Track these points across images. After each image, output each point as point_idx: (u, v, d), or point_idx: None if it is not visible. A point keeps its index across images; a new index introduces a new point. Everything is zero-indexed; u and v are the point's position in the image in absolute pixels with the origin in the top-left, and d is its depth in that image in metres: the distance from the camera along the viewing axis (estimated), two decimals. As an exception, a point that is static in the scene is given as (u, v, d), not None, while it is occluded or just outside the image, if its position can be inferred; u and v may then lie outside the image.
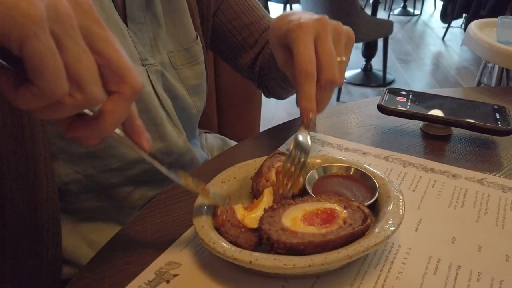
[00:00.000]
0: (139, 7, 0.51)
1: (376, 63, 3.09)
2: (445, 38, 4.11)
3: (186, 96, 0.58)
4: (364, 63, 3.14)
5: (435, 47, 3.99)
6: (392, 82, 3.08)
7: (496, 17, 1.38)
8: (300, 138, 0.43)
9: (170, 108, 0.55)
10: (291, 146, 0.42)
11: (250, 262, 0.32)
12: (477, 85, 1.51)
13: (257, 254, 0.33)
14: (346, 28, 0.48)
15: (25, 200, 0.44)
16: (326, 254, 0.32)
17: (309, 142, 0.42)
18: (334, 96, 2.84)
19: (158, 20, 0.54)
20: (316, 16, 0.46)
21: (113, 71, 0.27)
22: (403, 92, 0.62)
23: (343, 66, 0.46)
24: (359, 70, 3.17)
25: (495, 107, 0.59)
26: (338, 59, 0.45)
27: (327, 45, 0.43)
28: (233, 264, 0.35)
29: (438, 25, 4.53)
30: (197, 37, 0.59)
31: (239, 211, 0.38)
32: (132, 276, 0.36)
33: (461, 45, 3.78)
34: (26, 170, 0.43)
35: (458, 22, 4.08)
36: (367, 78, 3.11)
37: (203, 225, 0.36)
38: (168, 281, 0.35)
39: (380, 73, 3.02)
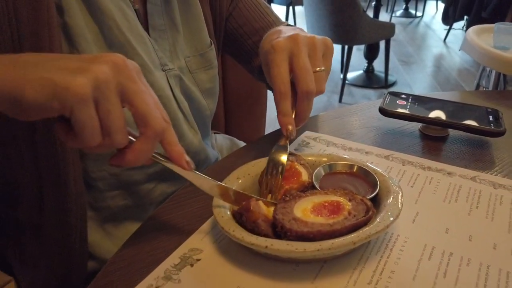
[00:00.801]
0: (159, 15, 0.56)
1: (378, 64, 3.13)
2: (447, 40, 4.15)
3: (200, 98, 0.63)
4: (366, 64, 3.18)
5: (436, 49, 4.03)
6: (394, 83, 3.12)
7: (497, 18, 1.42)
8: (274, 155, 0.47)
9: (186, 109, 0.60)
10: (267, 164, 0.46)
11: (266, 247, 0.36)
12: (476, 88, 1.54)
13: (272, 240, 0.37)
14: (321, 38, 0.51)
15: (57, 198, 0.49)
16: (333, 240, 0.36)
17: (287, 152, 0.47)
18: (337, 97, 2.88)
19: (176, 27, 0.58)
20: (289, 34, 0.49)
21: (140, 117, 0.35)
22: (403, 96, 0.66)
23: (323, 75, 0.50)
24: (361, 71, 3.21)
25: (489, 110, 0.63)
26: (318, 69, 0.48)
27: (301, 60, 0.47)
28: (249, 250, 0.40)
29: (439, 27, 4.57)
30: (211, 43, 0.64)
31: (263, 205, 0.41)
32: (159, 261, 0.40)
33: (459, 50, 3.82)
34: (57, 168, 0.47)
35: (459, 24, 4.11)
36: (369, 80, 3.15)
37: (222, 215, 0.41)
38: (192, 265, 0.40)
39: (382, 75, 3.06)
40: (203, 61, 0.63)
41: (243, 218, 0.39)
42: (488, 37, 1.00)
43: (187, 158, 0.39)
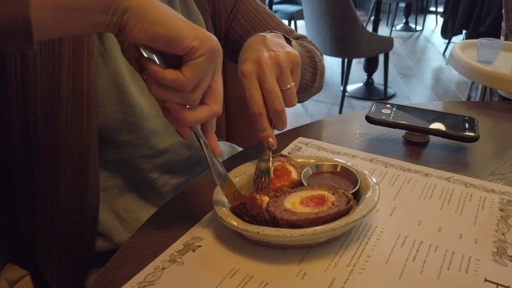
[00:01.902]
0: None
1: (378, 77, 3.21)
2: (446, 54, 4.22)
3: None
4: (365, 77, 3.26)
5: (436, 62, 4.11)
6: (393, 96, 3.18)
7: (495, 32, 1.49)
8: (260, 165, 0.52)
9: None
10: (255, 172, 0.52)
11: (258, 232, 0.42)
12: (467, 99, 1.61)
13: (263, 227, 0.43)
14: (285, 54, 0.53)
15: (76, 177, 0.55)
16: (316, 227, 0.42)
17: (270, 164, 0.52)
18: (337, 109, 2.95)
19: None
20: (255, 56, 0.52)
21: (214, 94, 0.44)
22: (388, 105, 0.72)
23: (293, 90, 0.53)
24: (361, 84, 3.29)
25: (466, 118, 0.69)
26: (288, 86, 0.52)
27: (267, 84, 0.51)
28: (244, 237, 0.46)
29: (439, 41, 4.66)
30: None
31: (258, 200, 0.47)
32: (166, 247, 0.46)
33: (446, 64, 3.89)
34: (80, 153, 0.54)
35: (459, 38, 4.20)
36: (369, 92, 3.22)
37: (221, 208, 0.46)
38: (194, 250, 0.46)
39: (382, 87, 3.13)
40: None
41: (247, 207, 0.44)
42: (473, 52, 1.07)
43: (219, 146, 0.47)
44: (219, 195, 0.48)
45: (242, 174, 0.54)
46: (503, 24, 1.42)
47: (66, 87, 0.51)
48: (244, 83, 0.52)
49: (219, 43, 0.42)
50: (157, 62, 0.40)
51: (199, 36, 0.40)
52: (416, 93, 3.29)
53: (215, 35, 0.72)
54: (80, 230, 0.58)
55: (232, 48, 0.75)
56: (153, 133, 0.61)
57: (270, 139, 0.53)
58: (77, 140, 0.53)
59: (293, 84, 0.53)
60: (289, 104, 0.53)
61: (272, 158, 0.54)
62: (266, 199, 0.48)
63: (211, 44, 0.40)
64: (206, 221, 0.50)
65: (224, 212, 0.45)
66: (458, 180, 0.58)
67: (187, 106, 0.43)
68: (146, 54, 0.40)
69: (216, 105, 0.44)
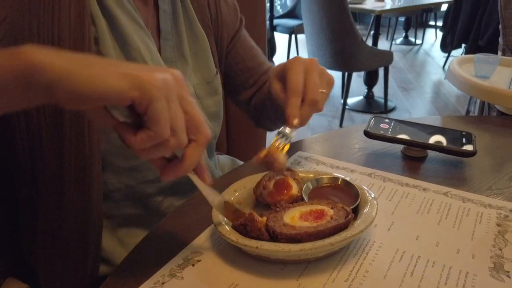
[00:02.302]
0: (170, 49, 0.64)
1: (378, 90, 3.23)
2: (446, 67, 4.26)
3: (207, 121, 0.70)
4: (366, 90, 3.28)
5: (435, 75, 4.14)
6: (393, 109, 3.20)
7: (494, 47, 1.50)
8: (284, 129, 0.56)
9: None
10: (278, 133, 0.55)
11: (257, 247, 0.43)
12: (466, 113, 1.62)
13: (262, 241, 0.43)
14: (329, 73, 0.60)
15: (79, 202, 0.55)
16: (314, 242, 0.43)
17: (293, 134, 0.55)
18: (337, 122, 2.96)
19: (185, 59, 0.66)
20: (303, 59, 0.57)
21: (194, 124, 0.39)
22: (386, 120, 0.73)
23: (324, 97, 0.57)
24: (361, 97, 3.31)
25: (463, 133, 0.70)
26: (322, 90, 0.56)
27: (313, 76, 0.55)
28: (243, 252, 0.46)
29: (438, 54, 4.70)
30: (217, 73, 0.72)
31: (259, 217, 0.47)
32: (166, 261, 0.46)
33: (444, 78, 3.93)
34: (83, 178, 0.54)
35: (458, 52, 4.23)
36: (369, 105, 3.24)
37: (220, 222, 0.47)
38: (193, 265, 0.46)
39: (382, 101, 3.15)
40: (210, 88, 0.70)
41: (247, 228, 0.45)
42: (471, 67, 1.08)
43: (208, 173, 0.46)
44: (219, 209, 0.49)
45: (242, 188, 0.54)
46: (500, 39, 1.44)
47: (68, 116, 0.52)
48: (293, 67, 0.55)
49: (170, 71, 0.38)
50: (128, 120, 0.37)
51: (136, 82, 0.35)
52: (416, 106, 3.31)
53: (218, 54, 0.74)
54: (83, 254, 0.59)
55: (224, 72, 0.78)
56: None
57: (296, 120, 0.54)
58: (79, 166, 0.54)
59: (325, 91, 0.57)
60: (319, 108, 0.56)
61: (275, 171, 0.55)
62: (258, 218, 0.47)
63: (156, 82, 0.35)
64: (206, 235, 0.51)
65: (224, 227, 0.46)
66: (455, 195, 0.58)
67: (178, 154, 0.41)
68: (115, 115, 0.37)
69: (201, 134, 0.40)
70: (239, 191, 0.54)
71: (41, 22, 0.49)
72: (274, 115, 0.75)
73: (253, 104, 0.79)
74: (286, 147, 0.55)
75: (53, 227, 0.58)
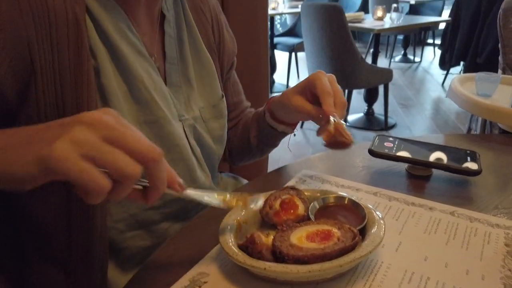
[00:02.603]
0: (176, 73, 0.65)
1: (378, 107, 3.25)
2: (445, 84, 4.29)
3: (211, 144, 0.70)
4: (366, 107, 3.30)
5: (435, 92, 4.17)
6: (393, 126, 3.21)
7: (492, 64, 1.52)
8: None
9: (199, 155, 0.67)
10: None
11: (265, 268, 0.42)
12: (468, 131, 1.63)
13: (269, 263, 0.43)
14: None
15: (85, 232, 0.55)
16: (323, 263, 0.42)
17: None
18: (338, 138, 2.96)
19: (191, 83, 0.66)
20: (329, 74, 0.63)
21: (137, 154, 0.36)
22: (391, 139, 0.73)
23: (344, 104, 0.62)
24: (361, 114, 3.33)
25: (468, 151, 0.70)
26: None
27: (336, 85, 0.61)
28: (250, 274, 0.46)
29: (437, 72, 4.75)
30: (222, 96, 0.72)
31: (263, 236, 0.47)
32: (171, 283, 0.46)
33: (446, 97, 3.96)
34: (87, 208, 0.54)
35: (457, 69, 4.28)
36: (370, 122, 3.26)
37: (227, 242, 0.47)
38: (200, 286, 0.45)
39: (382, 117, 3.17)
40: (215, 111, 0.71)
41: (248, 250, 0.45)
42: (472, 85, 1.09)
43: (179, 180, 0.44)
44: (225, 229, 0.49)
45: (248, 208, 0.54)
46: (500, 58, 1.46)
47: None
48: (320, 76, 0.60)
49: (86, 119, 0.36)
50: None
51: (43, 165, 0.34)
52: (416, 123, 3.32)
53: (220, 76, 0.74)
54: (88, 284, 0.58)
55: None
56: None
57: (334, 116, 0.58)
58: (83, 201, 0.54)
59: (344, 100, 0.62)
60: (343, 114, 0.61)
61: (281, 190, 0.55)
62: (264, 237, 0.47)
63: (60, 153, 0.34)
64: (212, 256, 0.50)
65: (230, 248, 0.46)
66: (462, 214, 0.58)
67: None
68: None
69: (146, 156, 0.37)
70: (246, 210, 0.53)
71: (41, 54, 0.48)
72: (248, 151, 0.80)
73: (227, 137, 0.80)
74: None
75: (62, 257, 0.57)
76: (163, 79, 0.63)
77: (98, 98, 0.54)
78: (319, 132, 0.60)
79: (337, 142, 0.58)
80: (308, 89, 0.62)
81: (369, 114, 3.30)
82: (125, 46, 0.56)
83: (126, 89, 0.57)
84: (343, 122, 0.59)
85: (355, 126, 3.21)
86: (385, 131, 3.09)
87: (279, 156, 2.64)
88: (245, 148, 0.81)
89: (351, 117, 3.28)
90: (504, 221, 0.56)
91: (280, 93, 0.69)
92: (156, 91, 0.59)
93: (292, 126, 0.73)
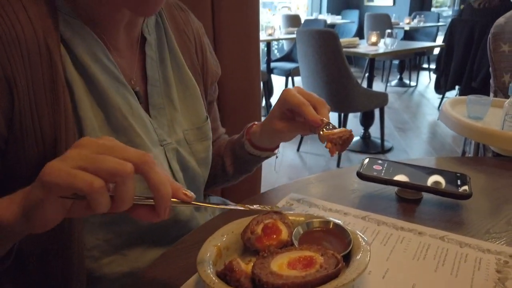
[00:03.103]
0: (159, 95, 0.64)
1: (375, 131, 3.25)
2: (441, 108, 4.31)
3: (196, 167, 0.69)
4: (362, 131, 3.30)
5: (431, 116, 4.19)
6: (390, 149, 3.21)
7: (487, 88, 1.53)
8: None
9: (181, 180, 0.66)
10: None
11: (243, 297, 0.40)
12: (462, 154, 1.62)
13: (248, 291, 0.41)
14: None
15: (60, 268, 0.53)
16: (303, 292, 0.40)
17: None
18: (335, 162, 2.95)
19: (174, 105, 0.66)
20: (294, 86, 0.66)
21: (126, 156, 0.39)
22: (380, 161, 0.72)
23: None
24: (358, 138, 3.33)
25: (458, 174, 0.68)
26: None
27: (304, 91, 0.64)
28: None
29: (433, 96, 4.79)
30: (207, 118, 0.71)
31: (242, 263, 0.45)
32: (146, 313, 0.44)
33: (437, 119, 4.00)
34: (61, 235, 0.52)
35: (453, 93, 4.32)
36: (366, 146, 3.25)
37: (205, 270, 0.45)
38: (175, 317, 0.43)
39: (379, 141, 3.17)
40: (200, 133, 0.70)
41: (227, 277, 0.43)
42: (464, 108, 1.09)
43: (184, 190, 0.44)
44: (204, 256, 0.47)
45: (229, 233, 0.52)
46: (491, 81, 1.47)
47: None
48: (288, 95, 0.62)
49: (77, 145, 0.39)
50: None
51: (44, 187, 0.37)
52: (413, 146, 3.32)
53: (204, 98, 0.73)
54: None
55: None
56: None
57: (320, 120, 0.60)
58: (58, 231, 0.52)
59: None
60: (328, 109, 0.63)
61: (265, 214, 0.53)
62: (243, 264, 0.45)
63: (52, 169, 0.37)
64: (190, 284, 0.48)
65: (208, 275, 0.44)
66: (452, 239, 0.56)
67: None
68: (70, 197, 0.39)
69: (140, 159, 0.39)
70: (227, 236, 0.52)
71: (18, 83, 0.48)
72: (221, 176, 0.80)
73: None
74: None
75: (40, 283, 0.55)
76: (145, 102, 0.63)
77: (75, 130, 0.53)
78: (320, 138, 0.60)
79: (341, 146, 0.59)
80: (284, 109, 0.64)
81: (366, 137, 3.30)
82: (100, 73, 0.55)
83: (103, 117, 0.56)
84: (332, 125, 0.60)
85: (352, 149, 3.21)
86: (382, 155, 3.08)
87: (275, 179, 2.61)
88: (218, 175, 0.81)
89: (347, 141, 3.28)
90: (495, 246, 0.54)
91: (257, 124, 0.71)
92: (134, 117, 0.58)
93: (274, 150, 0.74)
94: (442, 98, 4.30)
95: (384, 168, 0.70)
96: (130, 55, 0.62)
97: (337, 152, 0.59)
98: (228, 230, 0.52)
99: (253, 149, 0.72)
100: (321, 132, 0.59)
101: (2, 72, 0.47)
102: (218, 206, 0.46)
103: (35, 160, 0.51)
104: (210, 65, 0.75)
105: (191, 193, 0.44)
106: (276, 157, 0.75)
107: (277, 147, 0.74)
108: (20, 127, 0.49)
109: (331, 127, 0.60)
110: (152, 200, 0.41)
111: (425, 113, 4.33)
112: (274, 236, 0.51)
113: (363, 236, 0.49)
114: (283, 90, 0.64)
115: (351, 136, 0.59)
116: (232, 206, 0.51)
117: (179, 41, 0.68)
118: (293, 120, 0.64)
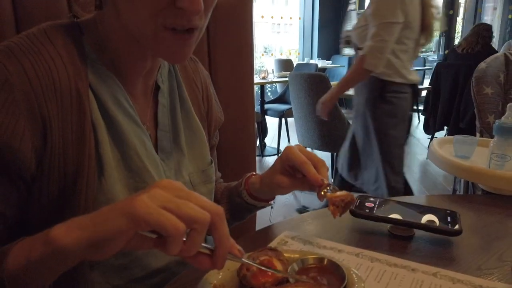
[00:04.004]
0: (167, 141, 0.67)
1: (367, 170, 3.28)
2: (431, 148, 4.38)
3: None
4: (355, 170, 3.33)
5: (421, 156, 4.25)
6: (383, 188, 3.22)
7: (475, 128, 1.59)
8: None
9: None
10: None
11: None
12: (453, 192, 1.65)
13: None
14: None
15: None
16: (299, 328, 0.40)
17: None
18: (329, 202, 2.95)
19: (181, 150, 0.68)
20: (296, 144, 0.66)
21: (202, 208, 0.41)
22: (372, 199, 0.74)
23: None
24: (351, 177, 3.35)
25: (448, 211, 0.70)
26: None
27: (307, 151, 0.64)
28: None
29: (423, 136, 4.89)
30: (211, 161, 0.74)
31: None
32: None
33: (426, 158, 4.06)
34: (69, 275, 0.52)
35: (442, 134, 4.41)
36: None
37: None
38: None
39: (371, 180, 3.18)
40: (204, 176, 0.72)
41: None
42: (450, 148, 1.13)
43: (238, 246, 0.46)
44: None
45: (225, 270, 0.53)
46: (477, 122, 1.53)
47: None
48: (290, 153, 0.64)
49: (155, 186, 0.42)
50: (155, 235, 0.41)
51: (129, 216, 0.39)
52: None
53: (208, 142, 0.76)
54: None
55: None
56: (147, 253, 0.62)
57: (322, 179, 0.61)
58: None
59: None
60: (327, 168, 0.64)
61: (260, 251, 0.54)
62: None
63: (140, 202, 0.39)
64: (187, 322, 0.48)
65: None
66: (445, 276, 0.57)
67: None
68: (148, 235, 0.41)
69: (210, 211, 0.42)
70: (223, 273, 0.52)
71: (51, 119, 0.52)
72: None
73: None
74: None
75: None
76: (154, 146, 0.65)
77: (96, 167, 0.55)
78: (319, 197, 0.61)
79: (342, 208, 0.60)
80: (286, 165, 0.65)
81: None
82: (121, 116, 0.59)
83: (119, 157, 0.59)
84: (333, 187, 0.61)
85: (345, 188, 3.21)
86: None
87: (268, 217, 2.59)
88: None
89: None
90: (487, 282, 0.55)
91: (256, 175, 0.73)
92: (148, 159, 0.61)
93: (270, 201, 0.76)
94: (431, 139, 4.39)
95: (376, 206, 0.72)
96: (144, 101, 0.65)
97: (339, 215, 0.60)
98: (224, 267, 0.53)
99: (250, 198, 0.74)
100: (322, 193, 0.61)
101: (39, 113, 0.51)
102: (265, 269, 0.49)
103: (56, 195, 0.53)
104: (215, 112, 0.78)
105: (242, 250, 0.47)
106: (272, 207, 0.77)
107: (273, 198, 0.75)
108: (48, 163, 0.52)
109: (331, 189, 0.61)
110: (210, 250, 0.44)
111: (416, 153, 4.40)
112: (270, 273, 0.51)
113: (357, 272, 0.50)
114: (286, 147, 0.66)
115: (352, 200, 0.60)
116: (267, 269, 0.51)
117: (188, 89, 0.72)
118: (294, 176, 0.66)
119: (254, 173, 0.77)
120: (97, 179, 0.55)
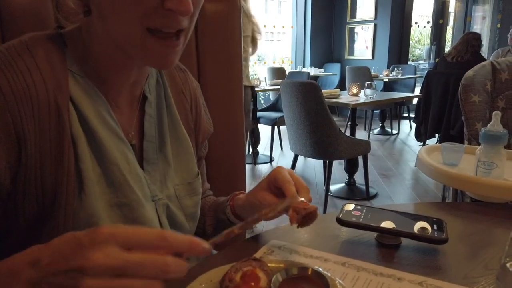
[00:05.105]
0: (154, 152, 0.66)
1: (359, 177, 3.29)
2: (422, 155, 4.41)
3: (184, 222, 0.70)
4: (347, 178, 3.34)
5: (413, 163, 4.27)
6: (375, 195, 3.23)
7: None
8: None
9: None
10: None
11: None
12: (442, 200, 1.66)
13: None
14: None
15: None
16: None
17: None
18: (321, 208, 2.94)
19: (168, 161, 0.68)
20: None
21: (149, 244, 0.38)
22: (359, 207, 0.74)
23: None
24: (343, 184, 3.35)
25: (434, 219, 0.70)
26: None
27: (294, 175, 0.66)
28: None
29: (414, 143, 4.92)
30: (198, 174, 0.73)
31: None
32: None
33: (414, 166, 4.08)
34: None
35: (433, 141, 4.45)
36: (352, 192, 3.27)
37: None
38: None
39: (364, 187, 3.19)
40: (190, 188, 0.71)
41: None
42: (438, 155, 1.13)
43: (204, 245, 0.43)
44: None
45: (208, 282, 0.52)
46: (465, 129, 1.54)
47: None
48: (279, 172, 0.65)
49: (89, 237, 0.37)
50: None
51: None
52: (397, 193, 3.35)
53: (195, 154, 0.76)
54: None
55: None
56: None
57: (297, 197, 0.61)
58: None
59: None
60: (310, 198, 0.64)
61: (244, 262, 0.53)
62: None
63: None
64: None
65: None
66: (431, 285, 0.56)
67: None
68: None
69: (165, 244, 0.39)
70: (205, 284, 0.51)
71: (26, 136, 0.50)
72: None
73: None
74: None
75: None
76: (139, 157, 0.64)
77: (75, 183, 0.54)
78: (290, 219, 0.60)
79: (304, 218, 0.60)
80: (272, 185, 0.66)
81: (351, 184, 3.33)
82: (102, 129, 0.58)
83: (100, 172, 0.58)
84: (300, 198, 0.61)
85: (337, 196, 3.22)
86: (367, 201, 3.10)
87: (261, 227, 2.58)
88: (197, 232, 0.81)
89: (333, 187, 3.30)
90: (473, 291, 0.55)
91: (242, 193, 0.73)
92: (131, 173, 0.60)
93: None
94: (423, 145, 4.42)
95: (363, 214, 0.71)
96: (129, 112, 0.64)
97: (297, 225, 0.60)
98: (207, 278, 0.52)
99: (233, 216, 0.74)
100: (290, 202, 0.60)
101: (13, 128, 0.49)
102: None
103: (35, 210, 0.52)
104: (204, 123, 0.78)
105: (208, 245, 0.43)
106: (252, 230, 0.77)
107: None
108: (24, 180, 0.50)
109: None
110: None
111: (408, 160, 4.42)
112: (253, 284, 0.51)
113: (341, 282, 0.50)
114: (276, 167, 0.67)
115: (315, 212, 0.60)
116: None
117: (176, 99, 0.71)
118: (277, 196, 0.66)
119: (243, 192, 0.77)
120: (77, 194, 0.54)
